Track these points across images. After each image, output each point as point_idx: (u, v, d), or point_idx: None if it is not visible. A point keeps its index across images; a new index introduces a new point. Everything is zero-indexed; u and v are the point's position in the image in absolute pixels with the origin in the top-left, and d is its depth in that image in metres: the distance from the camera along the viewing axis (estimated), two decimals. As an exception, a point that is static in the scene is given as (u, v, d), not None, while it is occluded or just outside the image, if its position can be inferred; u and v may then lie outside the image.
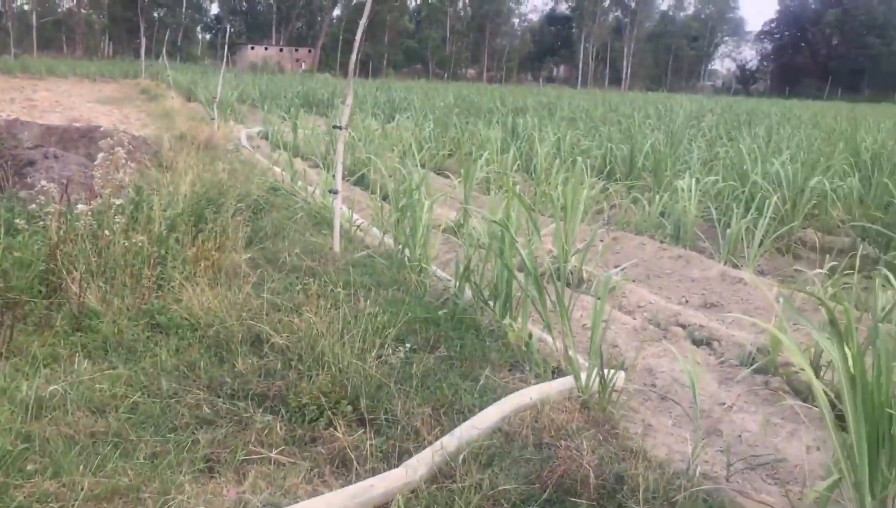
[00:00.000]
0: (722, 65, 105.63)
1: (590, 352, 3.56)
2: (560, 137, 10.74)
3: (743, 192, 7.41)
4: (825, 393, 2.56)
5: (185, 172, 7.06)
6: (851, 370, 2.42)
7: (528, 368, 3.87)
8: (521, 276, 4.33)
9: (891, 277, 3.77)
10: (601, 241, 7.70)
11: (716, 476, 3.15)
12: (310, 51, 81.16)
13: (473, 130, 12.79)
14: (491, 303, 4.52)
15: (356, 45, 5.40)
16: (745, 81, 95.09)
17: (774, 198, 6.61)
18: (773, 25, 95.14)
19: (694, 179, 7.11)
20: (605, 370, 3.51)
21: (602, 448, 2.99)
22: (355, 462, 2.93)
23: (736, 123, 17.05)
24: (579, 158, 8.61)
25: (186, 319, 4.12)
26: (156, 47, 53.89)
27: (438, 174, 11.09)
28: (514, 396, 3.38)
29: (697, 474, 3.04)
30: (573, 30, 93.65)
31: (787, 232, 7.26)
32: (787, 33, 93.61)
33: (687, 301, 6.01)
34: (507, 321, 3.96)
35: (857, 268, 4.60)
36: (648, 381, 4.33)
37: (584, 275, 6.12)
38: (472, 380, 3.61)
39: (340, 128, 5.56)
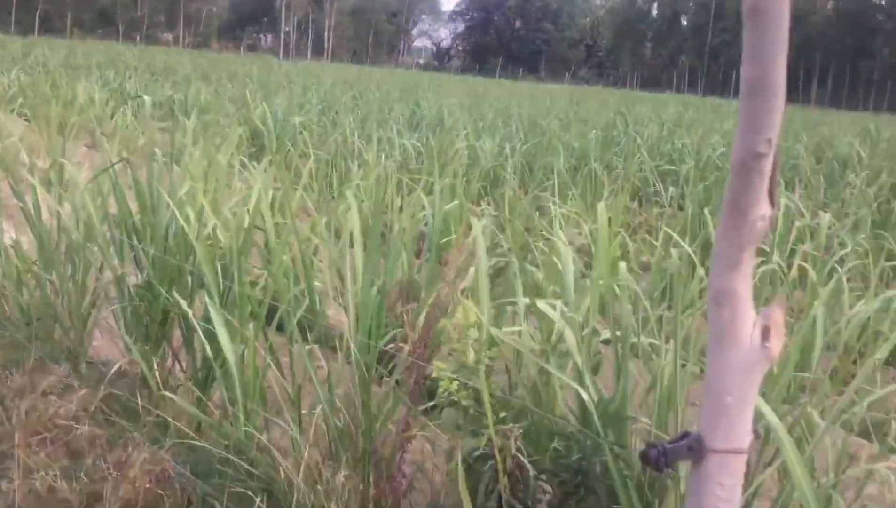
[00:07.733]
0: (422, 42, 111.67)
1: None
2: (139, 87, 12.05)
3: (249, 130, 9.27)
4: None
5: None
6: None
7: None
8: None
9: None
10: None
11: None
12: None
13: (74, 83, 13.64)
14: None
15: None
16: (440, 59, 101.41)
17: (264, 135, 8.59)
18: (463, 7, 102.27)
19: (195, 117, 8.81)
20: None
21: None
22: None
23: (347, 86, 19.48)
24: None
25: None
26: None
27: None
28: None
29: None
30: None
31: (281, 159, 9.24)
32: (475, 15, 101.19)
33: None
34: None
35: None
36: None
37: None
38: None
39: None
